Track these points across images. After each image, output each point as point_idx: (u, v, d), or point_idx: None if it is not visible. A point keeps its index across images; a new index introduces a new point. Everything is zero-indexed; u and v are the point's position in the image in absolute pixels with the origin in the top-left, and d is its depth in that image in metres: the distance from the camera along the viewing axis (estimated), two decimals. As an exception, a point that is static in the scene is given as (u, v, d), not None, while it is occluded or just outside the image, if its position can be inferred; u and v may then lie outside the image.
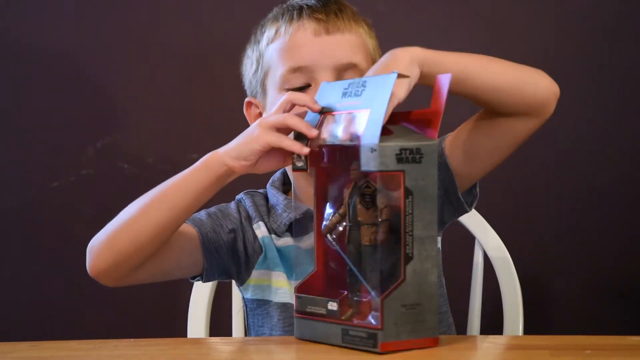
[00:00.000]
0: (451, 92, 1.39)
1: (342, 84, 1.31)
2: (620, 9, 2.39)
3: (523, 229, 2.41)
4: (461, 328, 1.76)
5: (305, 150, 1.31)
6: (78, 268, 2.47)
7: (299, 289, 1.33)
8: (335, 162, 1.31)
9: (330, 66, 1.54)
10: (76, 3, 2.46)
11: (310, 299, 1.32)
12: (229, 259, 1.58)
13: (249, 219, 1.62)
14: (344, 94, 1.30)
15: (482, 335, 1.80)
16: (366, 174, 1.26)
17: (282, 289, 1.59)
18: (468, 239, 1.85)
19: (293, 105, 1.35)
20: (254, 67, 1.62)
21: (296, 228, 1.57)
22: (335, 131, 1.30)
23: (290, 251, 1.57)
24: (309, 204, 1.58)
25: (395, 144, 1.23)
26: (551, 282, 2.44)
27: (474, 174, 1.55)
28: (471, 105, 1.51)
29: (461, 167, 1.53)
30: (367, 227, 1.28)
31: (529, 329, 1.81)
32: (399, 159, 1.23)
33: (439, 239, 1.63)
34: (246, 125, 2.36)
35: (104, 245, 1.45)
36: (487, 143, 1.52)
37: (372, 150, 1.22)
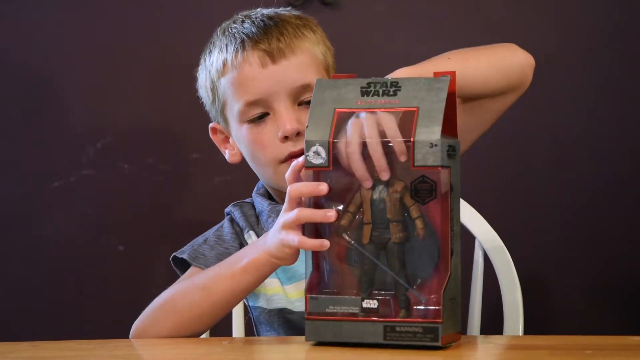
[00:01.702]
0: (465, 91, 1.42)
1: (354, 82, 1.28)
2: (621, 9, 2.40)
3: (523, 229, 2.41)
4: (461, 328, 1.76)
5: (325, 244, 1.27)
6: (78, 268, 2.48)
7: (310, 290, 1.29)
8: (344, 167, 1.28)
9: (284, 93, 1.56)
10: (76, 3, 2.46)
11: (332, 299, 1.28)
12: None
13: (242, 231, 1.62)
14: (365, 93, 1.27)
15: (482, 335, 1.80)
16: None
17: (277, 295, 1.59)
18: (468, 239, 1.85)
19: (306, 196, 1.31)
20: (210, 96, 1.65)
21: None
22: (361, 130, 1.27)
23: None
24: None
25: (445, 140, 1.23)
26: (551, 282, 2.44)
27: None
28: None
29: None
30: (396, 224, 1.26)
31: (529, 329, 1.81)
32: (448, 155, 1.24)
33: None
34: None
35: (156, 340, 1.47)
36: (469, 122, 1.53)
37: (433, 145, 1.22)
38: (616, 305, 2.42)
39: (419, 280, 1.25)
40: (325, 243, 1.27)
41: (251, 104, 1.57)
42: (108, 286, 2.43)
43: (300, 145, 1.54)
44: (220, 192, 2.43)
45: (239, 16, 1.64)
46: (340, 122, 1.27)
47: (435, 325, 1.23)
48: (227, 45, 1.61)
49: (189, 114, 2.46)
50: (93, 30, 2.45)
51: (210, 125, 1.67)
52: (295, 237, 1.29)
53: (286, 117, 1.55)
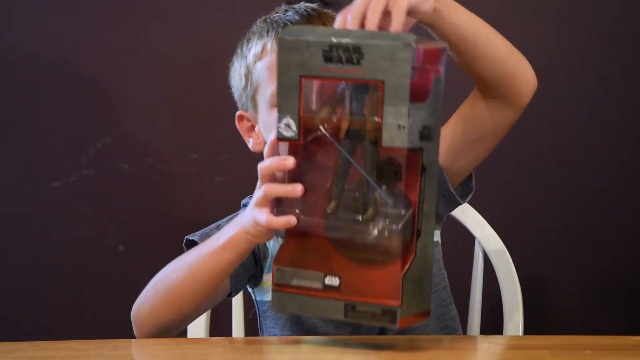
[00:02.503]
0: (452, 49, 1.39)
1: (315, 44, 1.22)
2: (621, 9, 2.40)
3: (523, 229, 2.41)
4: (461, 328, 1.76)
5: (292, 221, 1.26)
6: (78, 268, 2.48)
7: (277, 261, 1.27)
8: (319, 137, 1.25)
9: None
10: (76, 4, 2.46)
11: (297, 272, 1.26)
12: (249, 269, 1.59)
13: None
14: (328, 59, 1.22)
15: (482, 335, 1.80)
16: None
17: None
18: (468, 239, 1.85)
19: (272, 173, 1.31)
20: (243, 82, 1.64)
21: None
22: (332, 101, 1.25)
23: None
24: None
25: (420, 120, 1.20)
26: (551, 282, 2.44)
27: (460, 168, 1.56)
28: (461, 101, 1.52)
29: (447, 161, 1.54)
30: (374, 122, 1.22)
31: (529, 329, 1.81)
32: (421, 136, 1.21)
33: (438, 232, 1.64)
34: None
35: (148, 320, 1.49)
36: (467, 136, 1.53)
37: (400, 127, 1.19)
38: (616, 305, 2.43)
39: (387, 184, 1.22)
40: (292, 220, 1.26)
41: None
42: (108, 286, 2.43)
43: None
44: (220, 192, 2.43)
45: (282, 7, 1.64)
46: (307, 90, 1.24)
47: (393, 309, 1.21)
48: (267, 31, 1.60)
49: (189, 114, 2.46)
50: (92, 30, 2.45)
51: (238, 112, 1.66)
52: (263, 216, 1.29)
53: None
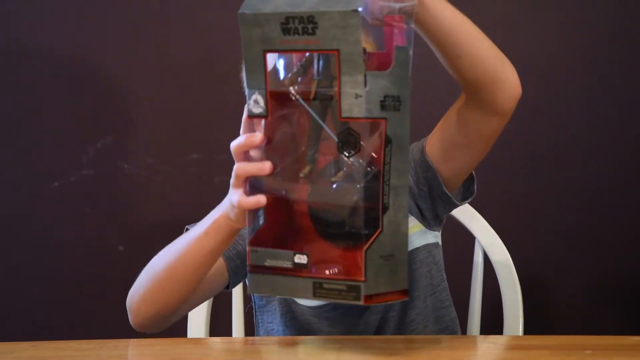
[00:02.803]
0: (435, 45, 1.39)
1: (273, 17, 1.22)
2: (621, 10, 2.40)
3: (523, 229, 2.41)
4: (461, 328, 1.76)
5: (262, 200, 1.25)
6: (78, 268, 2.48)
7: (253, 243, 1.26)
8: (294, 108, 1.24)
9: None
10: (76, 3, 2.46)
11: (269, 252, 1.25)
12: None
13: None
14: (286, 31, 1.21)
15: (482, 335, 1.80)
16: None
17: None
18: (468, 239, 1.85)
19: (244, 151, 1.30)
20: None
21: None
22: (288, 74, 1.23)
23: None
24: None
25: (380, 89, 1.18)
26: (551, 282, 2.44)
27: (451, 171, 1.56)
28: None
29: (439, 163, 1.55)
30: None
31: (529, 329, 1.81)
32: (383, 105, 1.18)
33: (438, 234, 1.64)
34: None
35: (142, 306, 1.50)
36: (454, 140, 1.53)
37: (357, 96, 1.17)
38: (616, 305, 2.42)
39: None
40: (262, 200, 1.25)
41: None
42: (108, 286, 2.43)
43: None
44: (220, 192, 2.42)
45: None
46: (269, 63, 1.23)
47: (357, 284, 1.19)
48: None
49: (189, 114, 2.46)
50: (92, 30, 2.45)
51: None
52: (236, 197, 1.29)
53: None
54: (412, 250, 1.59)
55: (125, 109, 2.47)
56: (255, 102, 1.26)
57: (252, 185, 1.27)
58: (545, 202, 2.43)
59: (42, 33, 2.45)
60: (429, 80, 2.16)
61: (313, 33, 1.19)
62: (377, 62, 1.21)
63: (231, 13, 2.57)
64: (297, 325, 1.59)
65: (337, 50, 1.18)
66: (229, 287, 1.58)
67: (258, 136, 1.26)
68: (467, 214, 1.82)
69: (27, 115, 2.47)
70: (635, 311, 2.42)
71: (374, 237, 1.18)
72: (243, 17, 1.24)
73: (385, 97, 1.18)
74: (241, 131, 1.30)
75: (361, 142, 1.18)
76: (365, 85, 1.17)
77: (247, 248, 1.26)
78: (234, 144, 1.29)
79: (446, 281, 1.66)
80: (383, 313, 1.58)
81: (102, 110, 2.47)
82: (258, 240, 1.25)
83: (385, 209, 1.19)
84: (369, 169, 1.18)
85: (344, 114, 1.18)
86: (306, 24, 1.20)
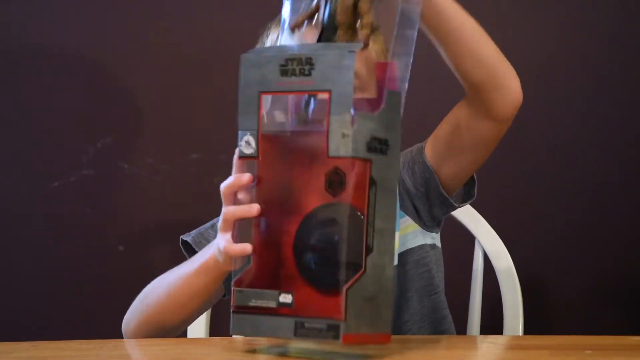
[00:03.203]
0: (440, 41, 1.40)
1: (274, 59, 1.24)
2: (621, 10, 2.40)
3: (523, 229, 2.41)
4: (461, 328, 1.76)
5: (247, 249, 1.25)
6: (78, 268, 2.48)
7: (238, 283, 1.26)
8: (285, 150, 1.24)
9: None
10: (76, 2, 2.46)
11: (255, 293, 1.25)
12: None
13: None
14: (284, 72, 1.23)
15: (482, 335, 1.80)
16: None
17: None
18: (468, 239, 1.86)
19: (234, 190, 1.30)
20: None
21: None
22: (283, 116, 1.25)
23: None
24: None
25: (367, 131, 1.19)
26: (551, 282, 2.44)
27: (448, 174, 1.56)
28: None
29: (437, 166, 1.55)
30: (344, 31, 1.22)
31: (529, 329, 1.81)
32: (369, 147, 1.19)
33: (436, 236, 1.64)
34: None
35: (136, 334, 1.53)
36: (452, 142, 1.53)
37: (345, 135, 1.18)
38: (616, 305, 2.43)
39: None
40: (247, 248, 1.24)
41: None
42: (108, 286, 2.43)
43: None
44: (220, 192, 2.43)
45: None
46: (264, 105, 1.24)
47: (336, 323, 1.18)
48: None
49: (189, 114, 2.46)
50: (93, 30, 2.45)
51: None
52: (223, 243, 1.29)
53: None
54: (407, 251, 1.60)
55: (125, 109, 2.47)
56: (247, 143, 1.26)
57: (242, 226, 1.27)
58: (545, 202, 2.44)
59: (42, 32, 2.45)
60: (429, 82, 2.16)
61: (309, 74, 1.21)
62: (369, 107, 1.21)
63: (231, 13, 2.57)
64: None
65: (330, 90, 1.19)
66: (225, 295, 1.58)
67: (246, 177, 1.26)
68: (467, 214, 1.82)
69: (27, 115, 2.47)
70: (635, 311, 2.42)
71: (355, 277, 1.19)
72: (245, 59, 1.26)
73: (372, 138, 1.19)
74: (232, 172, 1.30)
75: (347, 182, 1.19)
76: (353, 124, 1.18)
77: (232, 288, 1.26)
78: (223, 185, 1.29)
79: (443, 291, 1.66)
80: None
81: (102, 110, 2.47)
82: (244, 280, 1.26)
83: (369, 250, 1.19)
84: (353, 210, 1.19)
85: (331, 153, 1.19)
86: (304, 65, 1.21)
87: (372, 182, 1.19)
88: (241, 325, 1.27)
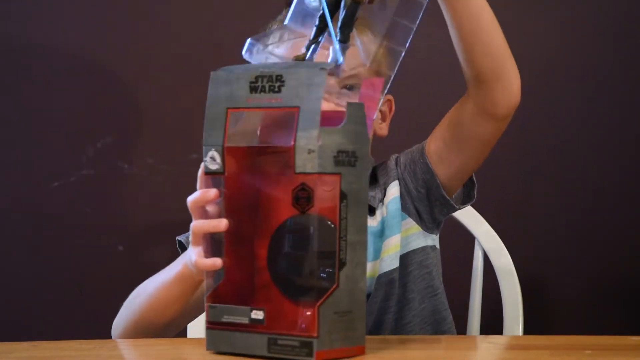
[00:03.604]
0: (456, 25, 1.43)
1: (244, 76, 1.25)
2: (622, 10, 2.40)
3: (523, 229, 2.41)
4: (461, 328, 1.76)
5: (217, 263, 1.25)
6: (78, 268, 2.48)
7: (211, 299, 1.26)
8: (252, 164, 1.25)
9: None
10: (76, 2, 2.46)
11: (227, 308, 1.25)
12: None
13: None
14: (253, 89, 1.24)
15: (482, 335, 1.80)
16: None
17: None
18: (468, 239, 1.86)
19: (200, 205, 1.30)
20: None
21: None
22: (252, 131, 1.25)
23: None
24: None
25: (334, 145, 1.19)
26: (551, 282, 2.44)
27: (448, 175, 1.57)
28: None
29: (436, 166, 1.55)
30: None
31: (529, 329, 1.81)
32: (337, 161, 1.19)
33: (436, 238, 1.64)
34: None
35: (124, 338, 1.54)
36: (451, 143, 1.54)
37: (310, 151, 1.18)
38: (616, 305, 2.43)
39: None
40: (217, 263, 1.24)
41: None
42: (108, 286, 2.43)
43: None
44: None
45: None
46: (233, 122, 1.25)
47: (309, 340, 1.18)
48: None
49: (189, 114, 2.46)
50: (93, 30, 2.45)
51: None
52: (194, 257, 1.29)
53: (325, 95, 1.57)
54: (409, 252, 1.60)
55: (125, 109, 2.47)
56: (212, 159, 1.29)
57: (214, 240, 1.27)
58: (545, 202, 2.44)
59: (42, 32, 2.45)
60: (430, 82, 2.16)
61: (278, 91, 1.21)
62: (332, 121, 1.21)
63: (232, 13, 2.57)
64: None
65: (298, 107, 1.19)
66: None
67: (212, 192, 1.26)
68: (466, 214, 1.82)
69: (27, 115, 2.47)
70: (635, 311, 2.42)
71: (329, 293, 1.18)
72: (215, 76, 1.28)
73: (339, 152, 1.19)
74: (197, 187, 1.31)
75: (314, 198, 1.18)
76: (319, 140, 1.18)
77: (205, 304, 1.26)
78: (189, 200, 1.29)
79: (444, 292, 1.66)
80: (378, 315, 1.57)
81: (102, 110, 2.47)
82: (216, 296, 1.26)
83: (342, 264, 1.19)
84: (325, 225, 1.19)
85: (298, 169, 1.19)
86: (274, 82, 1.22)
87: (343, 196, 1.19)
88: (215, 342, 1.26)
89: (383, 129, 1.66)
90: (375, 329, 1.58)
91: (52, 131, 2.46)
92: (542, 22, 2.40)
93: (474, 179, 1.60)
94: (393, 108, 1.68)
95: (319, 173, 1.18)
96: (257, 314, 1.23)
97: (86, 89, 2.47)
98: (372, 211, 1.60)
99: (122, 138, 2.46)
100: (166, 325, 1.50)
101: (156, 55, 2.45)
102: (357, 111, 1.22)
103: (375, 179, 1.63)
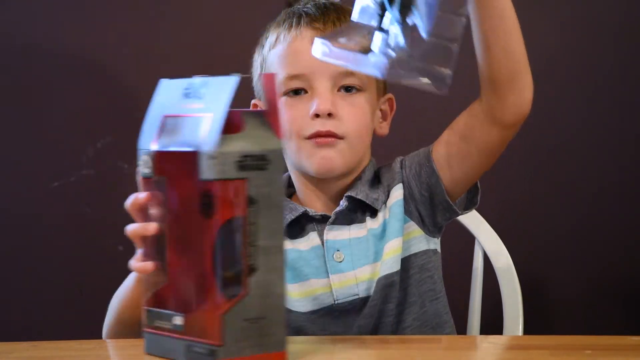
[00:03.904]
0: (481, 24, 1.43)
1: (182, 83, 1.27)
2: (622, 9, 2.40)
3: (523, 229, 2.41)
4: (461, 328, 1.76)
5: (148, 267, 1.26)
6: (78, 268, 2.48)
7: (149, 302, 1.27)
8: (181, 169, 1.24)
9: (327, 74, 1.57)
10: (76, 2, 2.46)
11: (157, 313, 1.26)
12: None
13: None
14: (186, 95, 1.26)
15: (482, 335, 1.80)
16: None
17: None
18: (468, 240, 1.85)
19: (135, 210, 1.30)
20: (258, 71, 1.66)
21: (291, 230, 1.59)
22: (178, 137, 1.26)
23: (287, 253, 1.57)
24: (311, 206, 1.60)
25: (236, 150, 1.18)
26: (551, 282, 2.44)
27: (453, 180, 1.57)
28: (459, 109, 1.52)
29: (443, 169, 1.56)
30: None
31: (529, 329, 1.81)
32: (241, 166, 1.18)
33: (438, 241, 1.64)
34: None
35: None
36: (457, 148, 1.55)
37: (211, 157, 1.17)
38: (616, 305, 2.43)
39: None
40: (148, 266, 1.25)
41: (293, 77, 1.59)
42: (108, 286, 2.42)
43: (328, 126, 1.56)
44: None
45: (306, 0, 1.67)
46: (164, 126, 1.27)
47: (215, 348, 1.17)
48: (284, 21, 1.63)
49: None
50: (93, 30, 2.45)
51: (253, 101, 1.68)
52: (132, 260, 1.30)
53: (322, 97, 1.57)
54: (411, 255, 1.59)
55: (125, 109, 2.47)
56: (145, 163, 1.31)
57: (158, 243, 1.27)
58: (545, 202, 2.43)
59: (42, 33, 2.45)
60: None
61: (201, 97, 1.24)
62: (233, 127, 1.21)
63: (232, 13, 2.57)
64: (290, 332, 1.59)
65: (212, 113, 1.20)
66: None
67: (141, 196, 1.28)
68: (467, 214, 1.82)
69: (27, 115, 2.47)
70: (635, 311, 2.42)
71: (235, 300, 1.17)
72: (161, 84, 1.32)
73: (243, 157, 1.18)
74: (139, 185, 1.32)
75: (217, 204, 1.17)
76: (219, 147, 1.17)
77: (144, 307, 1.27)
78: (126, 204, 1.31)
79: (445, 294, 1.66)
80: (377, 318, 1.57)
81: (102, 110, 2.47)
82: (155, 299, 1.27)
83: (251, 270, 1.18)
84: (228, 230, 1.18)
85: (200, 176, 1.19)
86: (199, 88, 1.25)
87: (252, 200, 1.18)
88: (150, 345, 1.28)
89: (383, 128, 1.66)
90: (374, 331, 1.58)
91: (52, 131, 2.46)
92: (542, 22, 2.40)
93: (478, 185, 1.60)
94: (394, 107, 1.68)
95: (221, 179, 1.17)
96: (177, 320, 1.23)
97: (86, 89, 2.47)
98: (374, 213, 1.60)
99: (122, 138, 2.46)
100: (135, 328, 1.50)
101: (156, 56, 2.45)
102: (256, 118, 1.22)
103: (379, 181, 1.63)
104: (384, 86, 1.66)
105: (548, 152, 2.42)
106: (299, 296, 1.58)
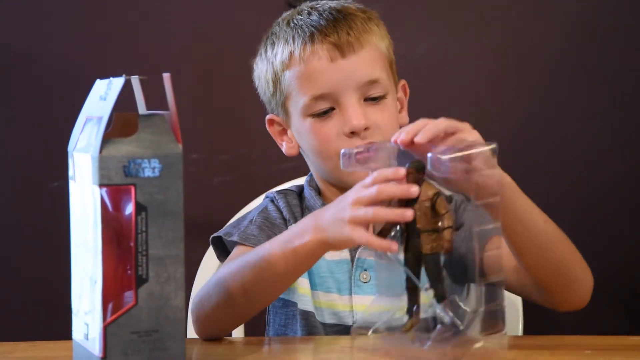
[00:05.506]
0: (507, 232, 1.42)
1: (104, 84, 1.23)
2: (622, 9, 2.40)
3: (523, 229, 2.41)
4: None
5: (394, 247, 1.21)
6: (78, 268, 2.48)
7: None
8: (85, 174, 1.20)
9: (352, 88, 1.54)
10: (77, 3, 2.46)
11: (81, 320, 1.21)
12: None
13: (284, 220, 1.61)
14: (100, 97, 1.24)
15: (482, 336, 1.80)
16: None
17: (305, 296, 1.56)
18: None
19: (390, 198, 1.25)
20: (271, 88, 1.61)
21: None
22: (89, 140, 1.23)
23: None
24: None
25: (120, 154, 1.13)
26: (551, 282, 2.43)
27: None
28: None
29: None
30: (427, 234, 1.20)
31: (529, 329, 1.80)
32: (127, 172, 1.13)
33: None
34: (247, 127, 2.36)
35: (211, 319, 1.43)
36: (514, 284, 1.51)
37: (94, 162, 1.13)
38: (616, 305, 2.42)
39: (459, 291, 1.19)
40: (394, 246, 1.20)
41: (317, 98, 1.54)
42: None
43: (367, 139, 1.52)
44: (220, 192, 2.43)
45: (304, 8, 1.61)
46: (83, 129, 1.22)
47: None
48: (294, 38, 1.57)
49: (188, 114, 2.46)
50: (93, 30, 2.45)
51: (268, 117, 1.64)
52: (364, 237, 1.23)
53: (353, 113, 1.53)
54: None
55: (125, 109, 2.46)
56: (70, 167, 1.25)
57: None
58: (545, 202, 2.43)
59: (41, 32, 2.45)
60: (431, 82, 2.16)
61: (105, 98, 1.26)
62: (122, 131, 1.18)
63: (232, 13, 2.56)
64: (308, 332, 1.57)
65: (102, 115, 1.19)
66: None
67: (415, 188, 1.23)
68: (467, 214, 1.81)
69: (27, 115, 2.46)
70: (635, 311, 2.42)
71: (120, 312, 1.12)
72: (95, 83, 1.32)
73: (131, 162, 1.14)
74: (376, 177, 1.27)
75: (102, 211, 1.12)
76: (100, 151, 1.13)
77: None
78: (383, 189, 1.25)
79: None
80: None
81: (102, 110, 2.47)
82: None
83: (142, 281, 1.12)
84: (121, 239, 1.13)
85: (91, 182, 1.14)
86: (107, 90, 1.26)
87: (141, 208, 1.13)
88: (77, 355, 1.22)
89: (403, 118, 1.63)
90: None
91: (52, 131, 2.46)
92: (542, 22, 2.39)
93: None
94: (408, 91, 1.65)
95: (104, 185, 1.13)
96: (86, 329, 1.18)
97: (86, 89, 2.47)
98: None
99: (122, 138, 2.46)
100: (268, 303, 1.45)
101: (156, 56, 2.44)
102: (154, 121, 1.19)
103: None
104: (396, 74, 1.63)
105: (547, 152, 2.41)
106: (321, 305, 1.56)
